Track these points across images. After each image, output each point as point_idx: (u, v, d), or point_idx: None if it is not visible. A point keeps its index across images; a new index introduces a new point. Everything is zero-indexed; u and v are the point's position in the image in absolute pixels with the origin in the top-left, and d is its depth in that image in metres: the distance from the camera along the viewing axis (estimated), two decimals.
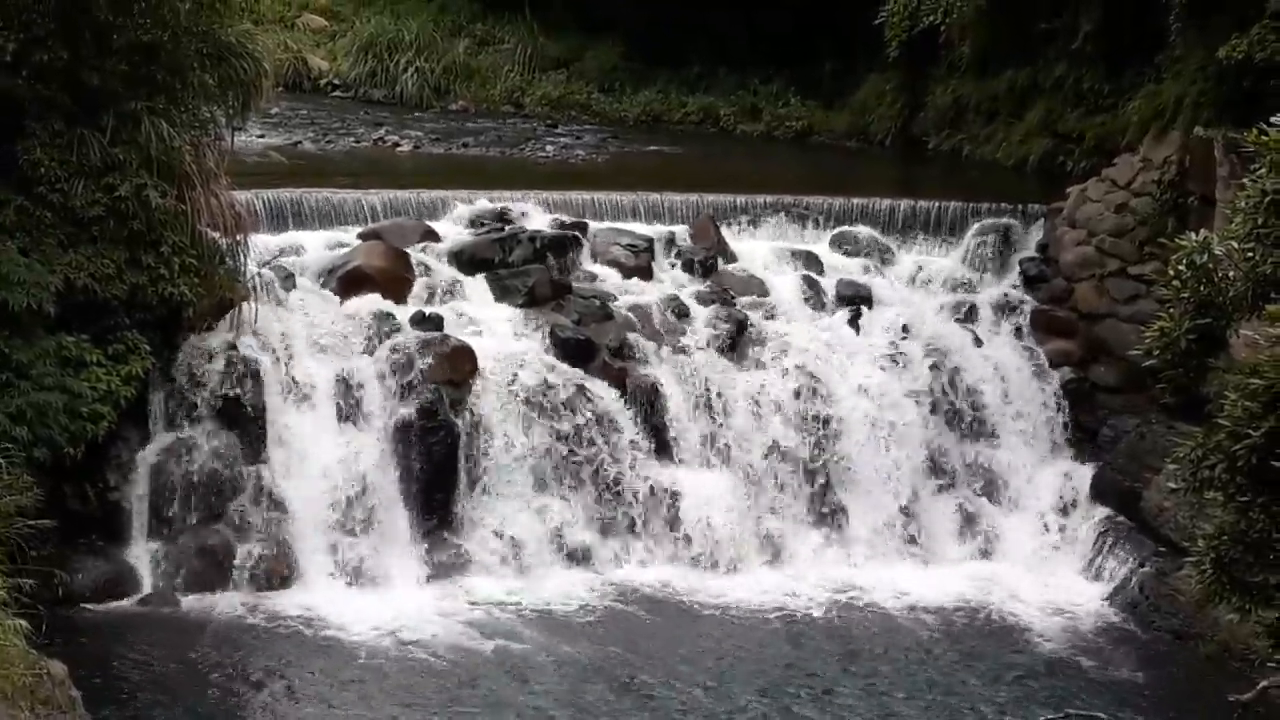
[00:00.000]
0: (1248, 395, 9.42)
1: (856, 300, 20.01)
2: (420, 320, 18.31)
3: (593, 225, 20.64)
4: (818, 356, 19.25)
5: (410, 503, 17.43)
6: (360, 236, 19.66)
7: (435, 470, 17.52)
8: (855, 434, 18.85)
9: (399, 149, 26.94)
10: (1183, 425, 14.16)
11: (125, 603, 16.20)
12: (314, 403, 17.56)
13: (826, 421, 18.80)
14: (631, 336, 18.98)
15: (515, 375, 18.03)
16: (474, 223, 20.36)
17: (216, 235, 17.14)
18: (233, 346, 17.24)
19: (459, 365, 17.88)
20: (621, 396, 18.39)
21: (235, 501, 16.94)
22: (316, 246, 19.47)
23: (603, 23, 34.12)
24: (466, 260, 19.54)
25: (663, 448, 18.40)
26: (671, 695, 14.90)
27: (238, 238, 17.43)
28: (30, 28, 15.60)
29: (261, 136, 25.48)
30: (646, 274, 20.20)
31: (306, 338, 17.90)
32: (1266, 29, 18.00)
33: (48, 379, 15.47)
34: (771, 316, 19.73)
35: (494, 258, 19.56)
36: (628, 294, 19.68)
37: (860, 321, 19.76)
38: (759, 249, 20.94)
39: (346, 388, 17.63)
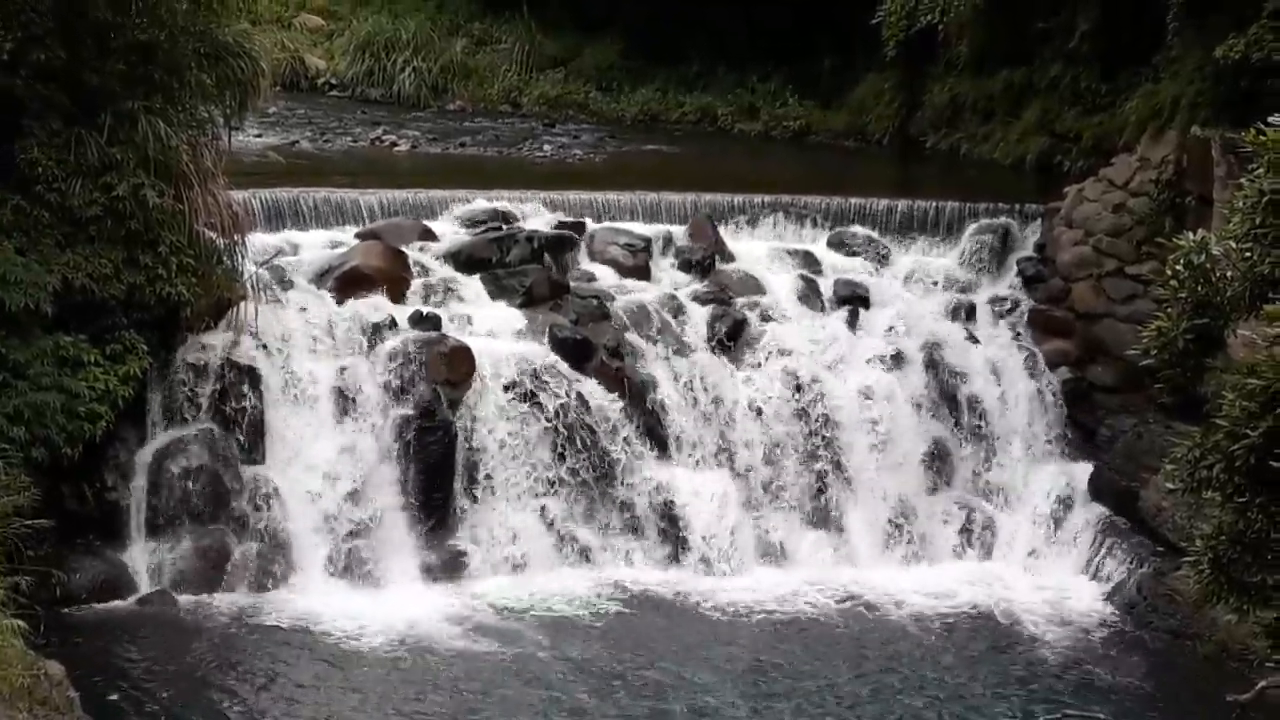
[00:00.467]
0: (1245, 395, 9.39)
1: (854, 300, 20.00)
2: (418, 320, 18.30)
3: (590, 225, 20.66)
4: (815, 356, 19.27)
5: (408, 503, 17.42)
6: (358, 236, 19.68)
7: (433, 470, 17.52)
8: (853, 434, 18.86)
9: (396, 148, 26.95)
10: (1180, 425, 14.18)
11: (123, 603, 16.18)
12: (312, 403, 17.57)
13: (824, 421, 18.82)
14: (629, 336, 18.97)
15: (513, 375, 18.03)
16: (471, 222, 20.36)
17: (214, 235, 17.15)
18: (231, 346, 17.23)
19: (456, 365, 17.87)
20: (620, 396, 18.40)
21: (233, 502, 16.93)
22: (314, 246, 19.49)
23: (601, 20, 34.14)
24: (464, 260, 19.54)
25: (661, 447, 18.42)
26: (672, 695, 14.89)
27: (235, 237, 17.45)
28: (28, 27, 15.56)
29: (259, 136, 25.48)
30: (644, 274, 20.21)
31: (304, 337, 17.89)
32: (1264, 29, 17.98)
33: (45, 379, 15.45)
34: (769, 316, 19.71)
35: (491, 257, 19.57)
36: (625, 294, 19.66)
37: (858, 321, 19.76)
38: (757, 249, 20.93)
39: (344, 387, 17.63)
